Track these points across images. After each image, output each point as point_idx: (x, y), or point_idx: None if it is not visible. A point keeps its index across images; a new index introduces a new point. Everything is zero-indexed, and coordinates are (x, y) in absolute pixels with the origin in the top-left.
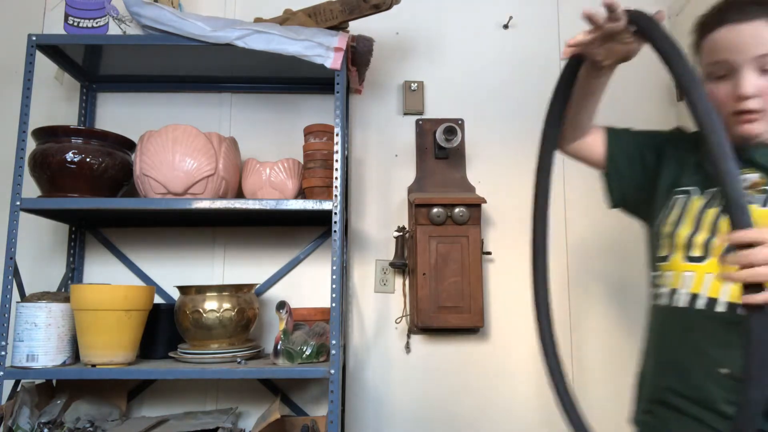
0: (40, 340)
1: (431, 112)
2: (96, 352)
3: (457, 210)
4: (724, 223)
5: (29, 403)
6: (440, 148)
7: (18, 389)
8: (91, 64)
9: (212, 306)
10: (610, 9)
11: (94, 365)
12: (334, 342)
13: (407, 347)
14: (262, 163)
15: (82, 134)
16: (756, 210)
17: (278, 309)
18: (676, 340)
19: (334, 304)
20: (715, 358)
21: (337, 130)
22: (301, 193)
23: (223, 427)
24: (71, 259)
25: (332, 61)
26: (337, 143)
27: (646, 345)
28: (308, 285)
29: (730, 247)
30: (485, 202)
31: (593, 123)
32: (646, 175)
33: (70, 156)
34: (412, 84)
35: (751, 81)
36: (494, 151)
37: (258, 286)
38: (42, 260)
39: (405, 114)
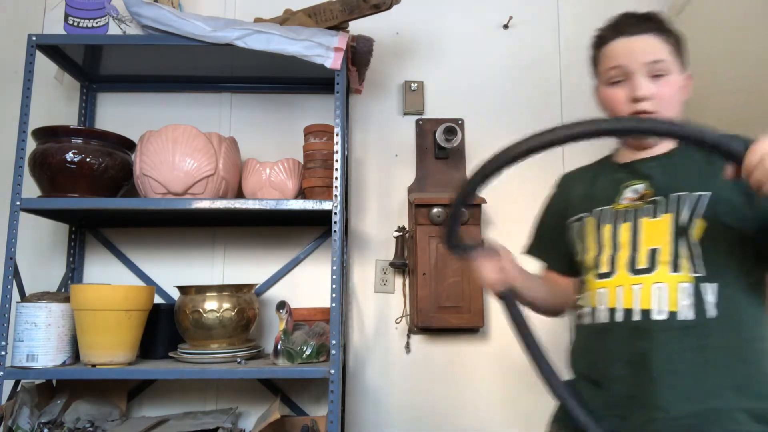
0: (40, 340)
1: (431, 112)
2: (96, 352)
3: None
4: (624, 233)
5: (29, 403)
6: (440, 148)
7: (18, 389)
8: (91, 64)
9: (212, 306)
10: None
11: (94, 365)
12: (334, 342)
13: (407, 347)
14: (262, 163)
15: (82, 134)
16: (646, 221)
17: (278, 309)
18: (601, 354)
19: (334, 304)
20: (639, 366)
21: (337, 130)
22: (301, 193)
23: (223, 427)
24: (71, 259)
25: (332, 61)
26: (337, 143)
27: (575, 365)
28: (308, 285)
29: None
30: (485, 202)
31: (562, 289)
32: (564, 238)
33: (70, 156)
34: (412, 84)
35: (644, 85)
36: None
37: (258, 286)
38: (42, 260)
39: (405, 114)
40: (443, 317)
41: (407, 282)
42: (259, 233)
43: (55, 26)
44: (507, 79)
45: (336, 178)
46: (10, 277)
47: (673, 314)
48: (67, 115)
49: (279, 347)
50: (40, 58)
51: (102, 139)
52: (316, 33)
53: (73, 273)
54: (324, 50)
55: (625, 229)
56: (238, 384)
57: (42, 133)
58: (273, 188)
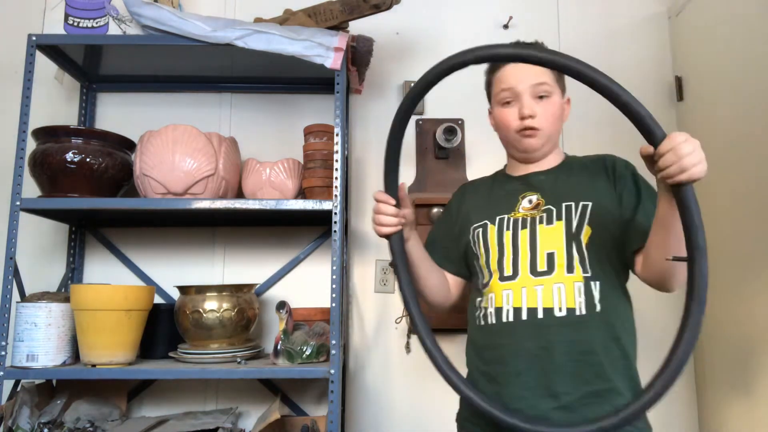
0: (40, 340)
1: (431, 112)
2: (96, 352)
3: None
4: (523, 239)
5: (29, 403)
6: (440, 148)
7: (18, 389)
8: (91, 64)
9: (212, 306)
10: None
11: (94, 365)
12: (334, 342)
13: (407, 347)
14: (262, 163)
15: (82, 134)
16: (543, 228)
17: (278, 309)
18: (504, 350)
19: (334, 304)
20: (543, 359)
21: (337, 130)
22: (301, 193)
23: (223, 427)
24: (71, 259)
25: (332, 61)
26: (337, 143)
27: (477, 364)
28: (308, 285)
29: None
30: None
31: (444, 276)
32: (458, 240)
33: (70, 156)
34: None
35: (530, 104)
36: (494, 151)
37: (258, 286)
38: (42, 260)
39: None
40: (443, 317)
41: None
42: (259, 233)
43: (55, 26)
44: None
45: (336, 178)
46: (10, 277)
47: (570, 310)
48: (67, 115)
49: (279, 347)
50: (40, 58)
51: (102, 139)
52: (316, 33)
53: (73, 273)
54: (324, 50)
55: (524, 235)
56: (238, 384)
57: (42, 133)
58: (273, 188)
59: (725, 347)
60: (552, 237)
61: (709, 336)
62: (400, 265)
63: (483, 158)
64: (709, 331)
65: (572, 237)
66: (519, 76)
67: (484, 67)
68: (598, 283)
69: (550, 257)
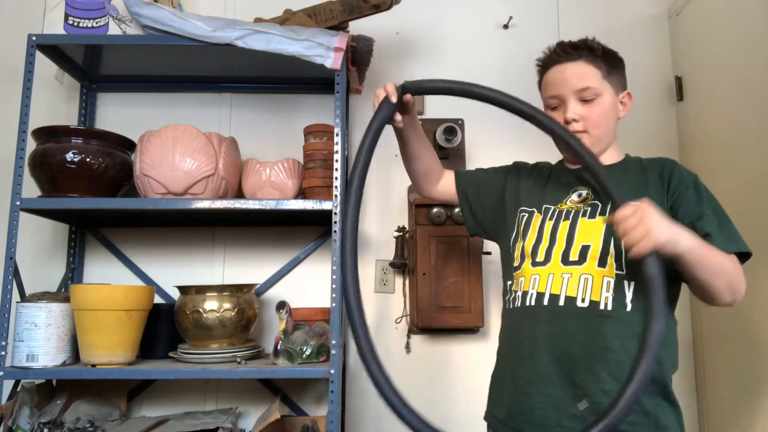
0: (40, 340)
1: (431, 112)
2: (96, 352)
3: (457, 210)
4: (562, 230)
5: (29, 403)
6: (440, 148)
7: (18, 389)
8: (91, 64)
9: (212, 306)
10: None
11: (94, 365)
12: (334, 342)
13: (407, 347)
14: (262, 163)
15: (82, 134)
16: (584, 221)
17: (278, 309)
18: (528, 334)
19: (334, 304)
20: (559, 347)
21: (337, 130)
22: (301, 193)
23: (223, 427)
24: (71, 259)
25: (332, 61)
26: (337, 143)
27: (501, 347)
28: (308, 285)
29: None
30: None
31: (439, 168)
32: (494, 201)
33: (70, 156)
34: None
35: (574, 109)
36: (494, 151)
37: (258, 286)
38: (42, 260)
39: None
40: (443, 317)
41: (407, 282)
42: (259, 233)
43: (55, 26)
44: (507, 79)
45: (336, 178)
46: (10, 277)
47: (594, 303)
48: (67, 115)
49: (279, 347)
50: (40, 58)
51: (102, 139)
52: (316, 33)
53: (73, 273)
54: (324, 50)
55: (564, 226)
56: (238, 384)
57: (42, 133)
58: (273, 188)
59: (725, 346)
60: (591, 230)
61: (709, 335)
62: (370, 138)
63: (483, 158)
64: (709, 329)
65: (612, 233)
66: (563, 80)
67: (488, 67)
68: (633, 283)
69: (585, 249)
